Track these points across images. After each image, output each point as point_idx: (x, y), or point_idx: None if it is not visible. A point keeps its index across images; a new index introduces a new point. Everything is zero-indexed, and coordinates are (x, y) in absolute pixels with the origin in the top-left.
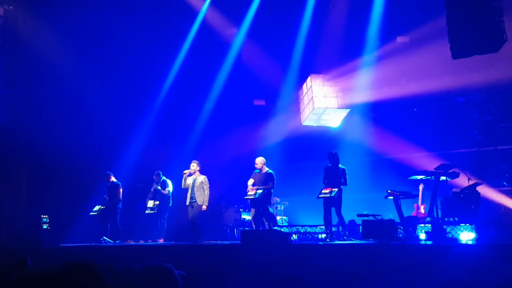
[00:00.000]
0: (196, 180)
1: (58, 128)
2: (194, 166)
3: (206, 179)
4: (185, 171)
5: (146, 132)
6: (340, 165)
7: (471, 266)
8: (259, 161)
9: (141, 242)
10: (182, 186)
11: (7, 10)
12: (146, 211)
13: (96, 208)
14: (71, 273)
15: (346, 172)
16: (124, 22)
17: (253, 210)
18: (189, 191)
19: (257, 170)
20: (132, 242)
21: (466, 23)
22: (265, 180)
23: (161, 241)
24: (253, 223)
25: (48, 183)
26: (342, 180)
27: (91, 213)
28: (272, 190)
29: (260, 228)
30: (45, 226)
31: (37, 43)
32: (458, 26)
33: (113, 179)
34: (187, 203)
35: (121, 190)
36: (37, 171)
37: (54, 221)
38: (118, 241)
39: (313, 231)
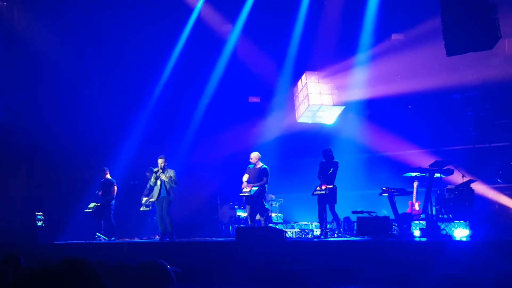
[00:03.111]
0: (165, 175)
1: (54, 125)
2: (162, 162)
3: (175, 173)
4: (155, 169)
5: (141, 129)
6: (334, 159)
7: (465, 263)
8: (254, 156)
9: (136, 239)
10: (151, 184)
11: (0, 6)
12: (141, 208)
13: (91, 205)
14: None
15: (337, 166)
16: (120, 18)
17: (248, 207)
18: (159, 187)
19: (251, 165)
20: (127, 239)
21: (461, 20)
22: (260, 175)
23: (156, 237)
24: (249, 220)
25: (43, 180)
26: (330, 172)
27: (85, 210)
28: (266, 186)
29: (255, 225)
30: (40, 223)
31: (31, 38)
32: (453, 23)
33: (108, 176)
34: (155, 199)
35: (115, 187)
36: (32, 168)
37: (49, 218)
38: (113, 238)
39: (308, 228)
